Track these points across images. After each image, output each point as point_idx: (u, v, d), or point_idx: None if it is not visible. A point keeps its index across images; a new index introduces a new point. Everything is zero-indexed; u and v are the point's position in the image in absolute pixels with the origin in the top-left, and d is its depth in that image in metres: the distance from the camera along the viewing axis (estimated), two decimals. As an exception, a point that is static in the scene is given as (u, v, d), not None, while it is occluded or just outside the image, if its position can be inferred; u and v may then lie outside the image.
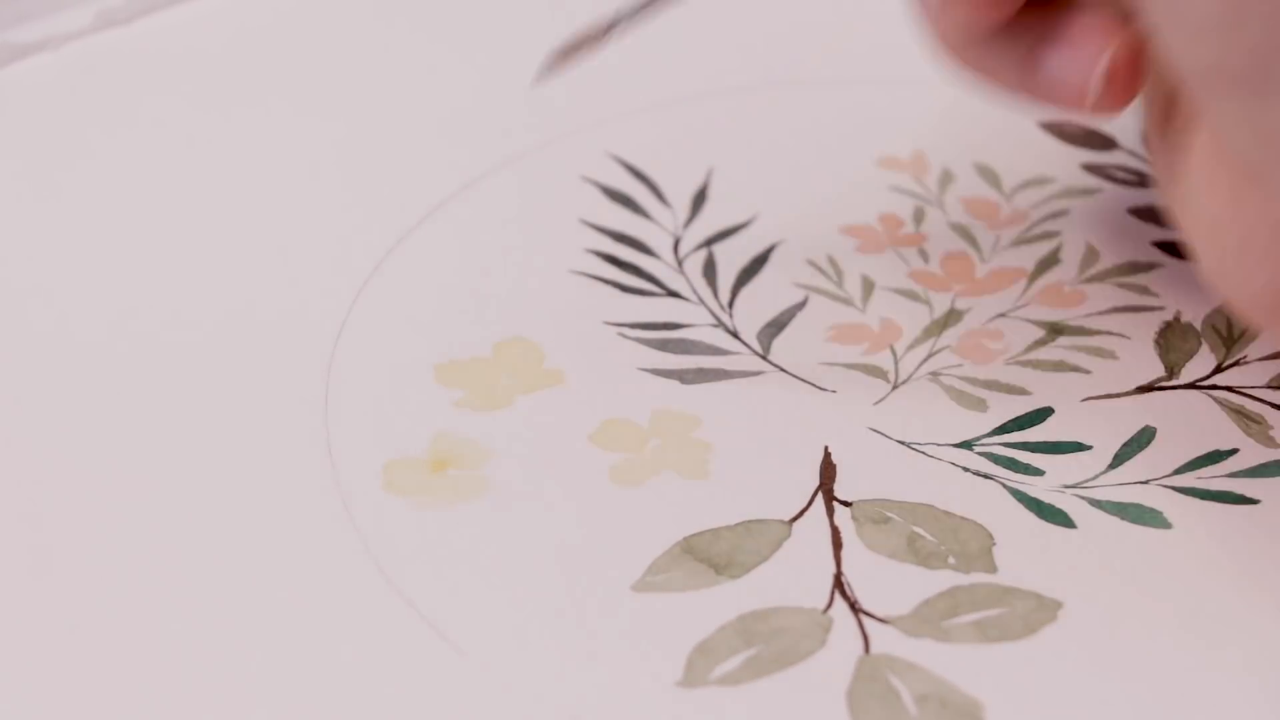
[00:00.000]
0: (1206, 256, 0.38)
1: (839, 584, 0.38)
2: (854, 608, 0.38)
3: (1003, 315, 0.45)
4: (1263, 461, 0.41)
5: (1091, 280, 0.46)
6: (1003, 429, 0.42)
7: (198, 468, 0.41)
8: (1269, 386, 0.43)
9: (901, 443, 0.41)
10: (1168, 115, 0.39)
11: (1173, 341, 0.44)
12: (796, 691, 0.36)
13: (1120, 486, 0.40)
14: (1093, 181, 0.48)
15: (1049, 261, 0.46)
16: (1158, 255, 0.46)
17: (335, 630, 0.37)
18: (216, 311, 0.45)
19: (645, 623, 0.37)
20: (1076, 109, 0.39)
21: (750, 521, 0.39)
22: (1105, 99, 0.39)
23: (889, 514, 0.40)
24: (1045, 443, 0.41)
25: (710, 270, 0.46)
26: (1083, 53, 0.39)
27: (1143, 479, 0.40)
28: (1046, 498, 0.40)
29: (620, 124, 0.50)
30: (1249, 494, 0.40)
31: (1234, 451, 0.41)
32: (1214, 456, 0.41)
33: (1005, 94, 0.40)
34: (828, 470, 0.41)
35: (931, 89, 0.48)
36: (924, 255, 0.46)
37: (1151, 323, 0.44)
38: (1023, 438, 0.41)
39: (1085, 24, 0.39)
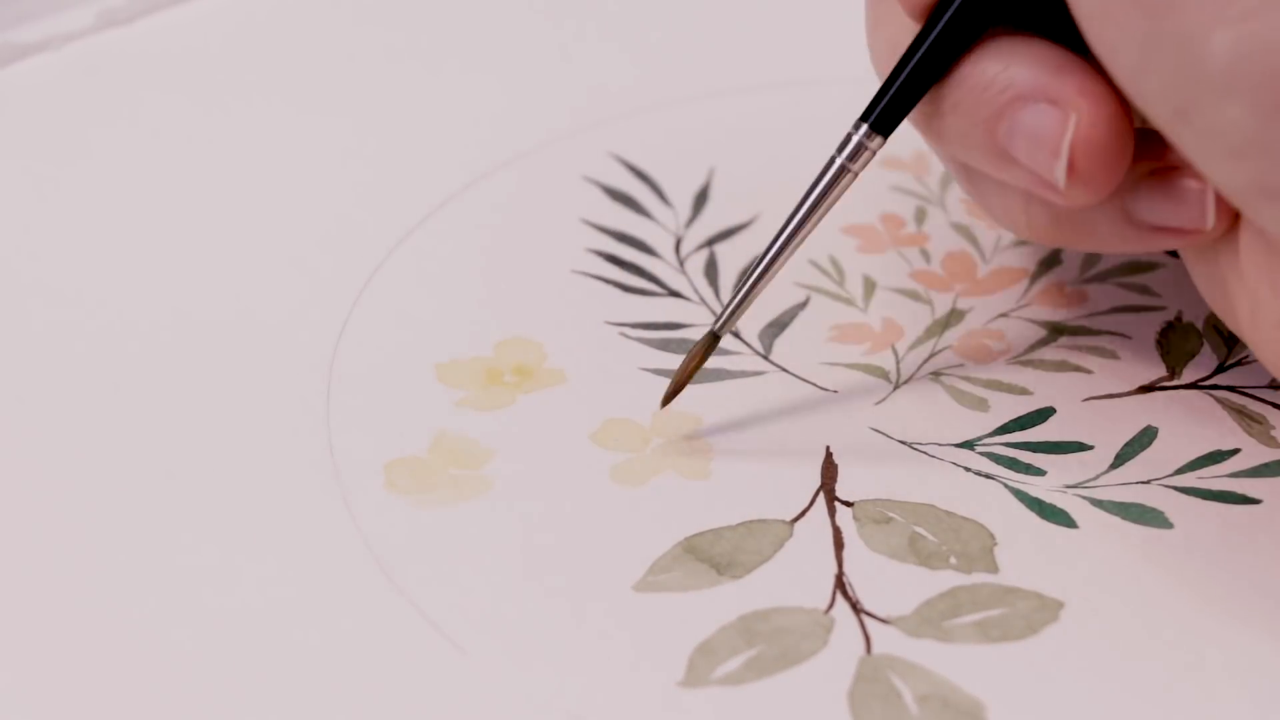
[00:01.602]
0: (1272, 352, 0.38)
1: (840, 584, 0.38)
2: (855, 608, 0.38)
3: (1004, 315, 0.45)
4: (1264, 461, 0.41)
5: (1093, 280, 0.45)
6: (1004, 429, 0.41)
7: (199, 467, 0.41)
8: (1270, 386, 0.43)
9: (903, 443, 0.41)
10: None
11: (1174, 341, 0.44)
12: (798, 692, 0.36)
13: (1122, 486, 0.40)
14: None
15: (1050, 261, 0.46)
16: (1159, 255, 0.46)
17: (336, 629, 0.37)
18: (218, 311, 0.45)
19: (646, 623, 0.37)
20: (1195, 244, 0.39)
21: (751, 521, 0.39)
22: (1217, 227, 0.38)
23: (890, 514, 0.40)
24: (1047, 443, 0.41)
25: (712, 270, 0.46)
26: (1190, 194, 0.38)
27: (1144, 479, 0.40)
28: (1048, 497, 0.40)
29: (621, 124, 0.50)
30: (1250, 494, 0.40)
31: (1235, 451, 0.41)
32: (1215, 456, 0.41)
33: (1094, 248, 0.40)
34: (829, 470, 0.41)
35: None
36: (925, 255, 0.46)
37: (1153, 323, 0.44)
38: (1024, 438, 0.41)
39: (1178, 166, 0.38)
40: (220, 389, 0.42)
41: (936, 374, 0.43)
